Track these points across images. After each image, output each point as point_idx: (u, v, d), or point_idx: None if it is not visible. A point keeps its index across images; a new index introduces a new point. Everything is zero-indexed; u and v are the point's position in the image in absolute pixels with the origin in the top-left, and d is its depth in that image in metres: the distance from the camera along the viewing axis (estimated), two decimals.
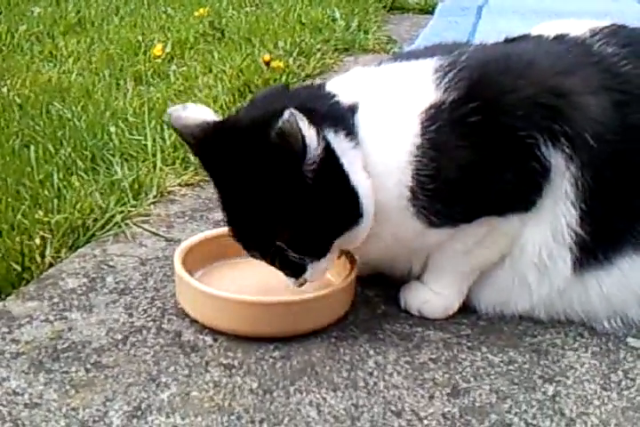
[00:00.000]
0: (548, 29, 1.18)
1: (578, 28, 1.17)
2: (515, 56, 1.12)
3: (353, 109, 1.06)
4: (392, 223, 1.06)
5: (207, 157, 1.07)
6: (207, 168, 1.08)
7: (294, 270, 1.07)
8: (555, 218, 1.07)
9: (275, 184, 0.99)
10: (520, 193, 1.06)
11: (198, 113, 1.06)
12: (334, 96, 1.07)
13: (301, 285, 1.09)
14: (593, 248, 1.08)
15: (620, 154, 1.06)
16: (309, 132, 0.95)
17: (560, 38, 1.15)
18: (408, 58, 1.17)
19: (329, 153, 0.99)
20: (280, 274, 1.09)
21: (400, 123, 1.05)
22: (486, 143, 1.03)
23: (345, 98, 1.07)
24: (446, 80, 1.05)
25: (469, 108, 1.03)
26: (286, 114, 0.93)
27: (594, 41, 1.13)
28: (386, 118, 1.07)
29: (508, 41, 1.20)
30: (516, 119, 1.03)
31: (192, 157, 1.73)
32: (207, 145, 1.05)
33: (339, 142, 1.02)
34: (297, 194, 1.00)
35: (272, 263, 1.07)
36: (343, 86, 1.10)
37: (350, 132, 1.04)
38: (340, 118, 1.04)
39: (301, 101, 1.02)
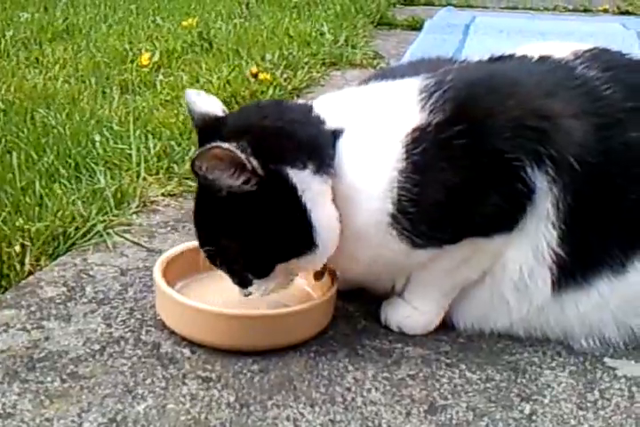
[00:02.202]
0: (532, 51, 1.19)
1: (561, 50, 1.18)
2: (499, 76, 1.12)
3: (336, 135, 1.06)
4: (372, 247, 1.06)
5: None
6: None
7: (240, 281, 1.09)
8: (536, 238, 1.07)
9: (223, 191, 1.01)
10: (505, 215, 1.06)
11: (207, 103, 1.10)
12: (319, 123, 1.06)
13: (248, 295, 1.10)
14: (572, 269, 1.09)
15: (600, 177, 1.07)
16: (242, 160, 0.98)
17: (544, 59, 1.16)
18: (394, 76, 1.17)
19: (282, 185, 1.00)
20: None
21: (381, 149, 1.05)
22: (473, 166, 1.03)
23: (332, 121, 1.07)
24: (432, 101, 1.05)
25: (456, 131, 1.02)
26: (225, 145, 0.96)
27: (577, 64, 1.14)
28: (367, 146, 1.06)
29: (492, 59, 1.21)
30: (504, 142, 1.03)
31: (176, 168, 1.74)
32: (203, 136, 1.08)
33: (303, 176, 1.01)
34: (238, 208, 1.01)
35: (218, 267, 1.09)
36: (332, 108, 1.10)
37: (324, 165, 1.03)
38: (316, 151, 1.03)
39: (282, 126, 1.04)
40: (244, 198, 1.00)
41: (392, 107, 1.09)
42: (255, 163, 0.98)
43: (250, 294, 1.09)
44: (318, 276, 1.17)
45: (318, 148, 1.04)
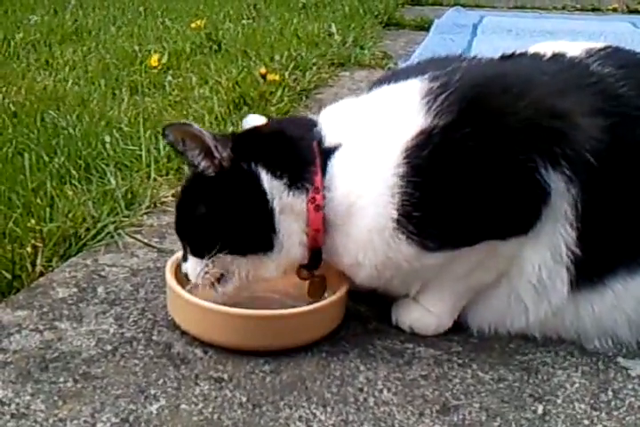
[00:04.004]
0: (545, 49, 1.18)
1: (574, 48, 1.17)
2: (510, 76, 1.11)
3: (330, 151, 1.08)
4: (379, 252, 1.05)
5: None
6: None
7: (184, 253, 1.14)
8: (554, 238, 1.06)
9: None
10: (520, 218, 1.05)
11: (252, 121, 1.21)
12: (311, 139, 1.09)
13: (186, 277, 1.13)
14: (588, 269, 1.08)
15: (616, 175, 1.06)
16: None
17: (557, 58, 1.15)
18: (397, 79, 1.15)
19: (250, 184, 1.06)
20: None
21: (377, 157, 1.04)
22: (484, 169, 1.01)
23: (331, 136, 1.09)
24: (437, 104, 1.03)
25: (465, 133, 1.01)
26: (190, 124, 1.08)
27: (590, 61, 1.13)
28: (362, 155, 1.06)
29: (504, 58, 1.19)
30: (516, 143, 1.01)
31: (186, 168, 1.74)
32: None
33: (277, 185, 1.06)
34: (204, 186, 1.10)
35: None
36: (334, 121, 1.12)
37: (301, 180, 1.06)
38: (296, 166, 1.07)
39: (274, 137, 1.12)
40: (210, 182, 1.08)
41: (391, 114, 1.08)
42: (225, 154, 1.07)
43: (186, 275, 1.12)
44: (303, 274, 1.16)
45: (300, 163, 1.07)
